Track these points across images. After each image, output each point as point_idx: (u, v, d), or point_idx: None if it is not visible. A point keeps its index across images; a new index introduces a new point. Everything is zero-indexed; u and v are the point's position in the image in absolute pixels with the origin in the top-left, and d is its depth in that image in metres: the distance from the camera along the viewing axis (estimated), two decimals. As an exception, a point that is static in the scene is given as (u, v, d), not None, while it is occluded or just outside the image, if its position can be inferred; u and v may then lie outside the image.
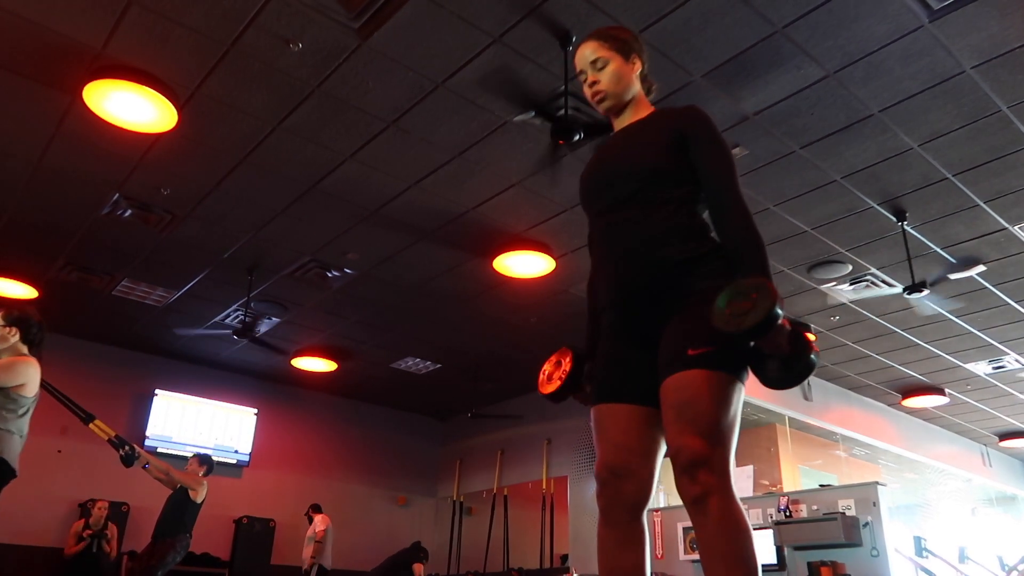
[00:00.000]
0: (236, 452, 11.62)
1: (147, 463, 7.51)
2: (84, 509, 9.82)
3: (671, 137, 2.53)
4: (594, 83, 2.70)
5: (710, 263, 2.40)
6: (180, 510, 7.83)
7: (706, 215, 2.53)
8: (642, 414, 2.42)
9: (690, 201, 2.50)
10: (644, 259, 2.42)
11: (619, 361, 2.51)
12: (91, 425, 6.29)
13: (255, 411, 11.95)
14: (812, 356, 2.24)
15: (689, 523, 8.48)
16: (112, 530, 9.45)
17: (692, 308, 2.32)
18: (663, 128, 2.58)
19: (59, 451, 10.00)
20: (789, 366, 2.24)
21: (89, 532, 9.17)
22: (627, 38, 2.74)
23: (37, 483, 9.79)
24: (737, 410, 2.30)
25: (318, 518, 10.78)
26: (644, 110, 2.73)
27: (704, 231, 2.49)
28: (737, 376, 2.31)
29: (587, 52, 2.71)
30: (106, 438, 6.46)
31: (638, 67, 2.73)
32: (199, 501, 7.89)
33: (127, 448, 6.57)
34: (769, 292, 2.13)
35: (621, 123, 2.75)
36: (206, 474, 8.16)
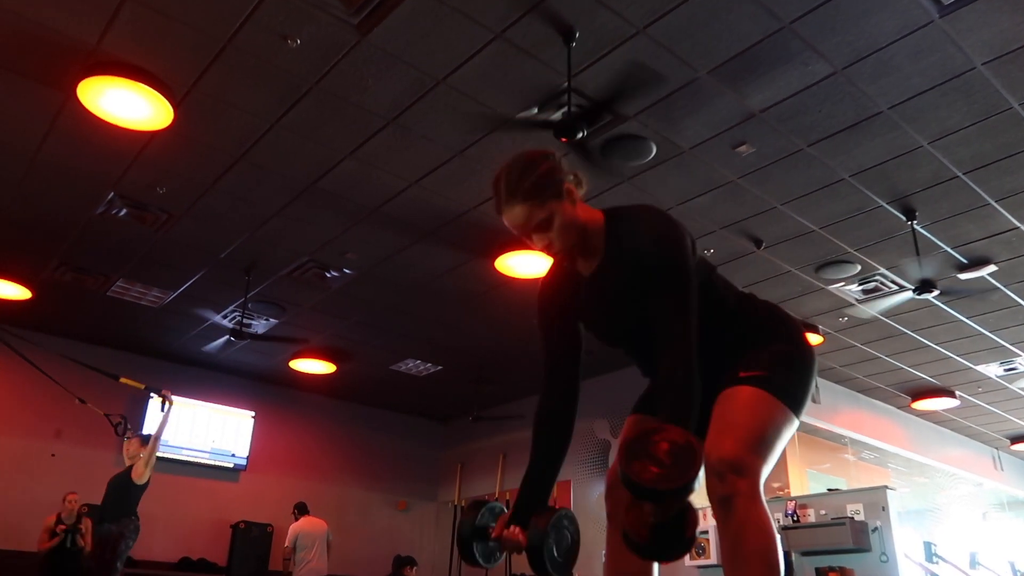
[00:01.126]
0: (233, 456, 11.55)
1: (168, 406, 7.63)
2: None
3: (642, 281, 2.29)
4: (547, 245, 2.35)
5: (755, 333, 2.44)
6: (123, 493, 7.67)
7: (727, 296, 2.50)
8: None
9: (707, 304, 2.35)
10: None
11: None
12: (122, 379, 6.39)
13: (252, 414, 11.89)
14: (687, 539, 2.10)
15: (695, 528, 8.41)
16: (86, 523, 9.25)
17: (747, 352, 2.37)
18: (631, 277, 2.32)
19: (52, 454, 9.95)
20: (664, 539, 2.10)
21: (63, 527, 9.00)
22: (546, 171, 2.31)
23: (31, 487, 9.77)
24: (779, 432, 2.29)
25: (294, 524, 10.63)
26: (600, 235, 2.39)
27: (734, 310, 2.48)
28: (786, 403, 2.30)
29: (520, 219, 2.30)
30: (140, 388, 6.60)
31: (573, 192, 2.34)
32: (142, 483, 7.70)
33: (162, 394, 6.74)
34: (694, 459, 1.96)
35: (582, 263, 2.47)
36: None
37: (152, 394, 6.63)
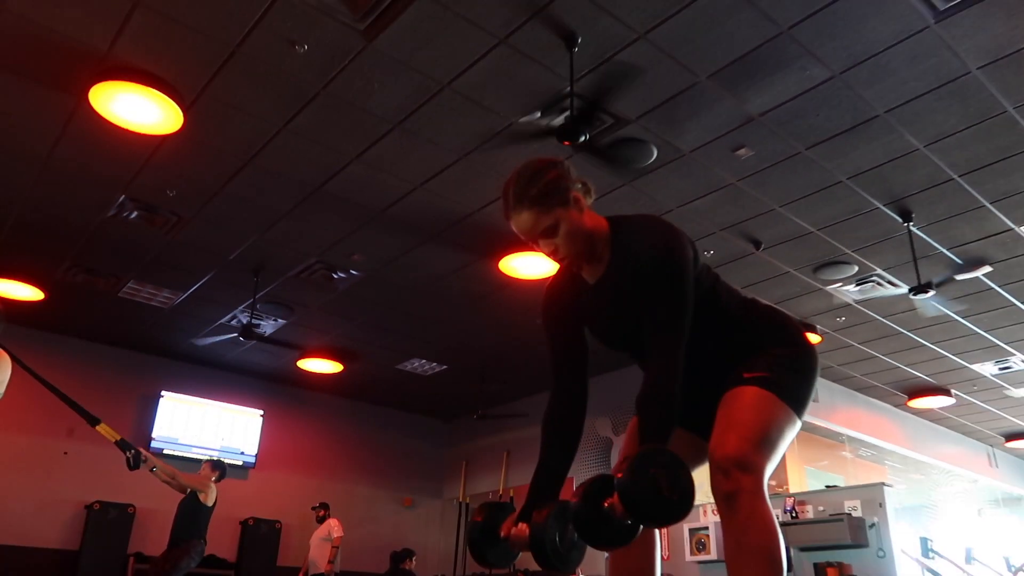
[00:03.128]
0: (242, 454, 11.63)
1: (154, 466, 7.53)
2: (92, 512, 9.84)
3: (643, 289, 2.33)
4: (553, 251, 2.39)
5: (758, 337, 2.48)
6: (192, 515, 7.90)
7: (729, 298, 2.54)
8: (680, 435, 2.43)
9: (711, 311, 2.45)
10: (703, 378, 2.43)
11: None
12: (98, 428, 6.30)
13: (261, 413, 11.96)
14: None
15: (695, 524, 8.49)
16: None
17: (751, 355, 2.42)
18: (633, 284, 2.36)
19: (65, 453, 10.02)
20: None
21: None
22: (553, 179, 2.34)
23: (43, 485, 9.84)
24: (782, 432, 2.33)
25: (335, 522, 10.69)
26: (606, 243, 2.44)
27: (738, 316, 2.51)
28: (789, 404, 2.35)
29: (527, 225, 2.34)
30: (113, 440, 6.47)
31: (580, 200, 2.38)
32: (209, 504, 7.94)
33: (133, 451, 6.57)
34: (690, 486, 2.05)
35: (588, 269, 2.52)
36: (218, 479, 8.21)
37: (129, 459, 6.46)
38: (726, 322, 2.45)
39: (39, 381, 5.57)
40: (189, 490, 7.97)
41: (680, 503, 2.00)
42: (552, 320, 2.63)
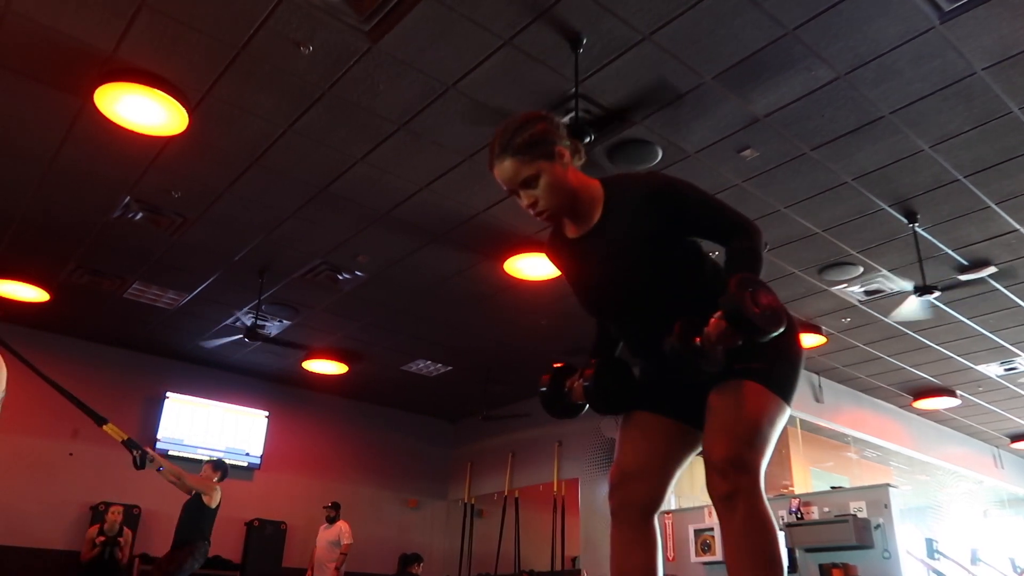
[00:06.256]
0: (247, 455, 11.64)
1: (160, 466, 7.55)
2: (97, 512, 9.85)
3: (654, 227, 2.38)
4: (532, 204, 2.42)
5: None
6: (196, 516, 7.91)
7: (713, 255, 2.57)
8: (673, 428, 2.46)
9: (696, 264, 2.51)
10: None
11: (666, 380, 2.54)
12: (105, 427, 6.32)
13: (266, 414, 11.97)
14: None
15: (700, 525, 8.49)
16: (126, 535, 9.46)
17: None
18: (638, 223, 2.39)
19: (70, 454, 10.04)
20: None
21: (102, 539, 9.18)
22: (540, 131, 2.38)
23: (49, 486, 9.85)
24: (774, 425, 2.34)
25: (346, 527, 10.69)
26: (595, 202, 2.47)
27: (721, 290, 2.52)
28: (779, 394, 2.36)
29: (508, 173, 2.39)
30: (120, 439, 6.48)
31: (565, 155, 2.41)
32: (213, 506, 7.95)
33: (140, 451, 6.59)
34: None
35: (572, 228, 2.55)
36: (220, 479, 8.22)
37: (136, 458, 6.49)
38: (709, 294, 2.35)
39: (46, 381, 5.57)
40: (194, 491, 7.98)
41: (773, 316, 2.22)
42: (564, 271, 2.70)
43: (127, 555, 9.34)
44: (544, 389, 2.67)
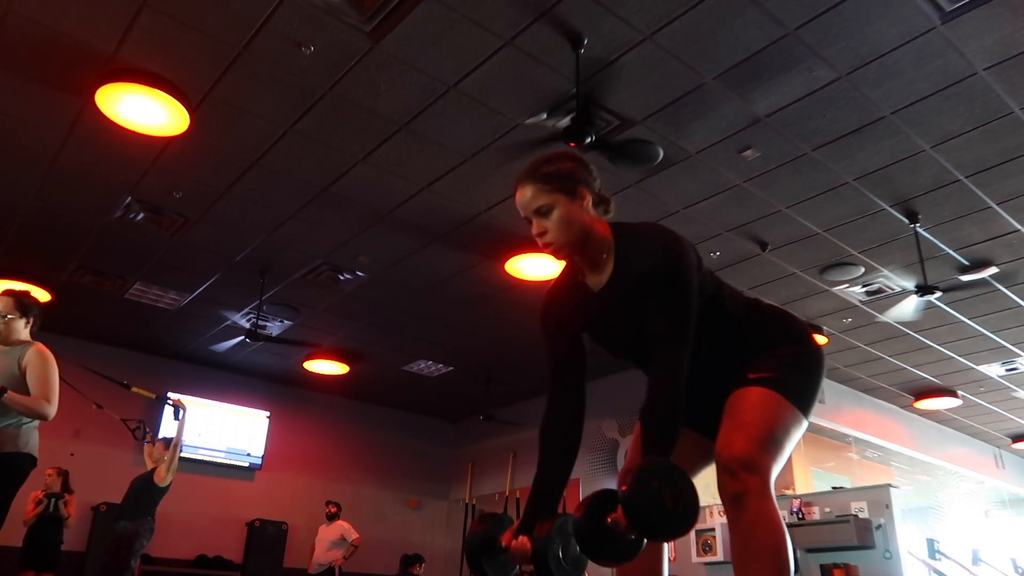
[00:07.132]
0: (248, 455, 11.64)
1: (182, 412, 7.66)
2: (98, 512, 9.85)
3: (646, 298, 2.30)
4: (542, 233, 2.37)
5: (763, 338, 2.47)
6: (144, 494, 7.78)
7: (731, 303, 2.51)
8: (689, 437, 2.43)
9: (716, 317, 2.43)
10: (709, 379, 2.42)
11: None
12: (133, 388, 6.41)
13: (267, 414, 11.97)
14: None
15: (701, 525, 8.48)
16: (69, 499, 9.23)
17: (756, 356, 2.41)
18: (637, 293, 2.32)
19: (72, 454, 10.01)
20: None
21: (44, 491, 8.92)
22: (569, 170, 2.37)
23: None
24: (788, 432, 2.33)
25: (348, 525, 10.70)
26: (606, 249, 2.41)
27: (742, 319, 2.50)
28: (794, 403, 2.35)
29: (526, 198, 2.36)
30: (152, 397, 6.60)
31: (588, 199, 2.37)
32: (164, 486, 7.79)
33: (172, 405, 6.73)
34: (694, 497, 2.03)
35: (591, 276, 2.47)
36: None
37: (165, 403, 6.65)
38: (731, 325, 2.44)
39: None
40: (150, 468, 7.86)
41: (684, 515, 1.99)
42: (552, 326, 2.58)
43: (73, 513, 8.98)
44: (473, 543, 2.36)
